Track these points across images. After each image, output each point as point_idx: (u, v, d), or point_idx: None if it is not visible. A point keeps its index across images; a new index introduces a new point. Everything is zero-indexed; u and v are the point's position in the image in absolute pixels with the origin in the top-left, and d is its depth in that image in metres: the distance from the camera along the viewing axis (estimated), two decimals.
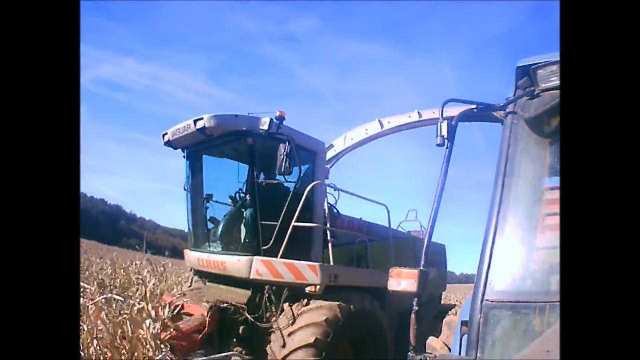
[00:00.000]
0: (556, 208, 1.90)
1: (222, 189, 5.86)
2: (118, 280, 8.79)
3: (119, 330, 4.15)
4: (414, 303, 2.12)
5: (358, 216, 6.29)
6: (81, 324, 4.08)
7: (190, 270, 6.36)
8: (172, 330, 4.43)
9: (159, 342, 4.18)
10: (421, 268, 2.09)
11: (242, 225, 5.39)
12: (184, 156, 5.95)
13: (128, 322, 4.20)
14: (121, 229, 62.04)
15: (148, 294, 5.34)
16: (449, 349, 2.55)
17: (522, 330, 1.81)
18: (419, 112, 6.97)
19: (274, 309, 4.90)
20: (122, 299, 5.63)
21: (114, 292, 6.67)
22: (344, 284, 5.09)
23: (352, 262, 5.64)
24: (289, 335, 4.60)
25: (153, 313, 4.39)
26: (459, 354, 2.04)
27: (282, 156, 4.82)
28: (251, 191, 5.28)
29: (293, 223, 4.95)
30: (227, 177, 5.83)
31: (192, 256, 5.86)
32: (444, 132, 2.24)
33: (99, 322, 4.24)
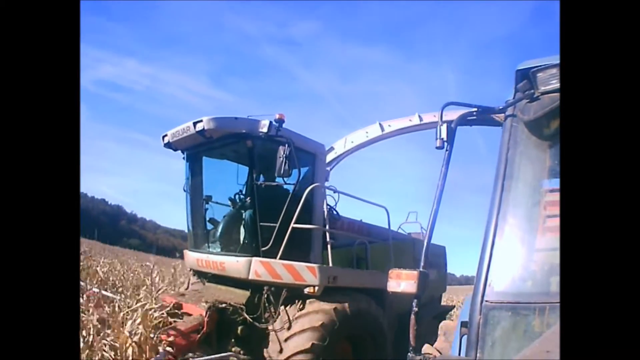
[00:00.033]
0: (556, 210, 1.91)
1: (222, 190, 5.88)
2: (129, 283, 8.76)
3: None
4: (414, 304, 2.13)
5: (358, 218, 6.31)
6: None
7: (190, 270, 6.38)
8: (170, 330, 4.45)
9: (157, 341, 4.20)
10: (421, 269, 2.10)
11: (242, 227, 5.42)
12: (183, 158, 5.98)
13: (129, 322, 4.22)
14: (122, 229, 61.98)
15: (154, 295, 5.34)
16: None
17: (521, 331, 1.81)
18: (419, 116, 6.99)
19: (272, 310, 4.91)
20: (121, 297, 5.66)
21: (127, 294, 6.65)
22: (343, 285, 5.10)
23: (351, 263, 5.66)
24: (285, 340, 4.62)
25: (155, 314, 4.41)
26: (459, 354, 2.04)
27: (281, 158, 4.86)
28: (250, 193, 5.30)
29: (292, 225, 4.97)
30: (226, 179, 5.85)
31: (192, 257, 5.89)
32: (444, 134, 2.25)
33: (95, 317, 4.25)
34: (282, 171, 4.86)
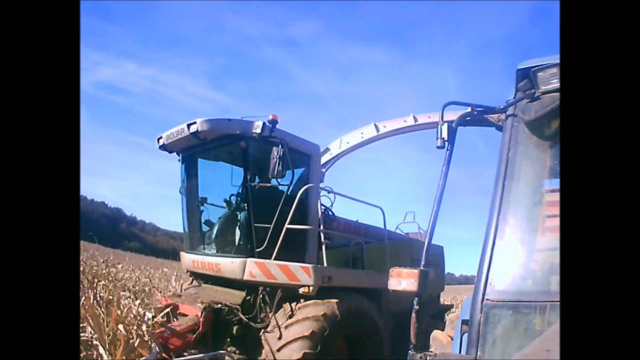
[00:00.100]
0: (556, 210, 1.92)
1: (217, 192, 5.89)
2: (146, 288, 8.73)
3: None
4: (415, 302, 2.14)
5: (355, 219, 6.32)
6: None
7: (187, 272, 6.39)
8: (166, 330, 4.48)
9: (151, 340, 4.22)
10: (421, 268, 2.11)
11: (237, 228, 5.43)
12: (179, 160, 5.99)
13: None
14: (122, 231, 61.97)
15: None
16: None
17: (522, 330, 1.81)
18: (414, 117, 7.02)
19: (268, 310, 4.93)
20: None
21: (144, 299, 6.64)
22: (338, 285, 5.12)
23: (347, 263, 5.69)
24: (286, 327, 4.64)
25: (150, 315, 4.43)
26: (460, 352, 2.05)
27: (274, 159, 4.86)
28: (245, 194, 5.31)
29: (286, 225, 4.98)
30: (222, 180, 5.86)
31: (188, 258, 5.91)
32: (445, 134, 2.26)
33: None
34: (275, 172, 4.87)
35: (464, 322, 2.05)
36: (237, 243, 5.37)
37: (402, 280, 2.11)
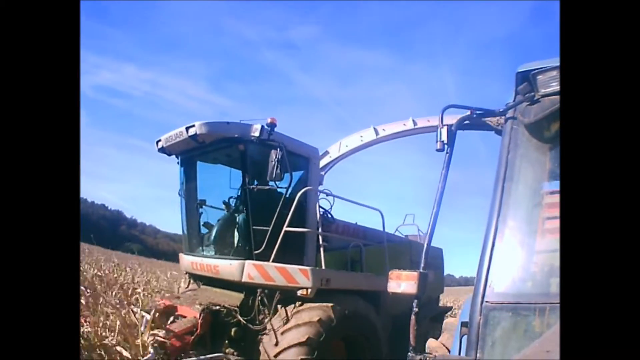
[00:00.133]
0: (556, 212, 1.92)
1: (216, 194, 5.91)
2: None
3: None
4: (414, 304, 2.14)
5: (354, 221, 6.34)
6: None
7: (185, 273, 6.41)
8: (164, 331, 4.48)
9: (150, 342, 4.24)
10: (421, 270, 2.12)
11: (235, 230, 5.45)
12: (178, 162, 6.02)
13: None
14: (122, 233, 62.01)
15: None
16: (448, 350, 2.56)
17: (522, 331, 1.81)
18: (413, 120, 7.04)
19: (266, 312, 4.94)
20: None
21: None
22: (336, 287, 5.13)
23: (346, 266, 5.70)
24: (282, 333, 4.65)
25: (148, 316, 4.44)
26: (459, 354, 2.05)
27: (273, 162, 4.89)
28: (244, 197, 5.32)
29: (285, 228, 4.99)
30: (220, 183, 5.88)
31: (187, 260, 5.92)
32: (444, 137, 2.26)
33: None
34: (273, 175, 4.89)
35: (464, 324, 2.05)
36: (235, 245, 5.38)
37: (402, 282, 2.11)
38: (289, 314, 4.78)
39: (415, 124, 7.02)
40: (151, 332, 4.38)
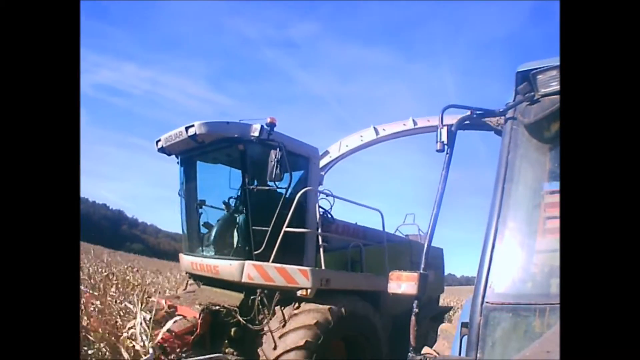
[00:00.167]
0: (556, 212, 1.92)
1: (216, 194, 5.91)
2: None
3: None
4: (415, 305, 2.14)
5: (355, 221, 6.33)
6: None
7: (185, 273, 6.41)
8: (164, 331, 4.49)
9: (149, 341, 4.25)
10: (421, 271, 2.11)
11: (235, 230, 5.44)
12: (177, 162, 6.01)
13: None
14: (123, 233, 62.19)
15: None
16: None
17: (522, 332, 1.82)
18: (413, 120, 7.04)
19: (266, 312, 4.94)
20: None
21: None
22: (336, 287, 5.13)
23: (346, 266, 5.69)
24: (280, 337, 4.64)
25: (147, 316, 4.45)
26: (459, 354, 2.05)
27: (272, 162, 4.88)
28: (243, 197, 5.31)
29: (284, 228, 4.99)
30: (220, 183, 5.87)
31: (186, 260, 5.92)
32: (444, 138, 2.26)
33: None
34: (273, 175, 4.89)
35: (464, 324, 2.05)
36: (235, 245, 5.38)
37: (402, 283, 2.11)
38: (287, 317, 4.78)
39: (415, 123, 7.03)
40: (151, 332, 4.39)
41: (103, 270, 9.53)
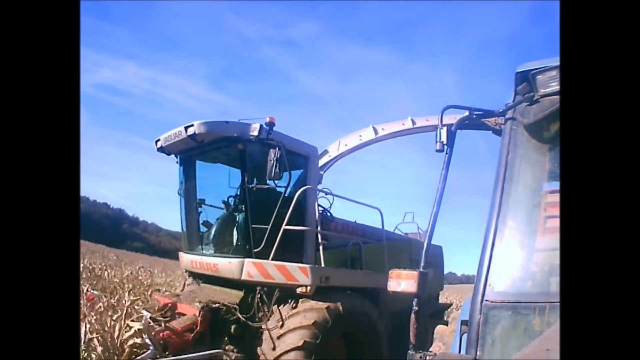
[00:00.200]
0: (556, 211, 1.93)
1: (215, 193, 5.93)
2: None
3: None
4: (414, 303, 2.15)
5: (354, 219, 6.34)
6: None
7: (185, 272, 6.42)
8: (163, 328, 4.52)
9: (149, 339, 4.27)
10: (421, 269, 2.12)
11: (235, 229, 5.46)
12: (177, 162, 6.02)
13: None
14: (124, 232, 62.21)
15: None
16: None
17: (522, 330, 1.82)
18: (412, 120, 7.07)
19: (265, 309, 4.97)
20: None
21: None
22: (336, 285, 5.15)
23: (346, 263, 5.71)
24: (279, 338, 4.66)
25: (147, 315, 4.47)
26: (459, 352, 2.06)
27: (272, 161, 4.89)
28: (243, 196, 5.33)
29: (284, 227, 5.01)
30: (220, 182, 5.90)
31: (186, 258, 5.94)
32: (444, 138, 2.26)
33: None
34: (272, 174, 4.90)
35: (464, 322, 2.05)
36: (235, 243, 5.40)
37: (402, 281, 2.12)
38: (285, 316, 4.79)
39: (414, 123, 7.05)
40: (151, 329, 4.41)
41: (114, 272, 9.52)
